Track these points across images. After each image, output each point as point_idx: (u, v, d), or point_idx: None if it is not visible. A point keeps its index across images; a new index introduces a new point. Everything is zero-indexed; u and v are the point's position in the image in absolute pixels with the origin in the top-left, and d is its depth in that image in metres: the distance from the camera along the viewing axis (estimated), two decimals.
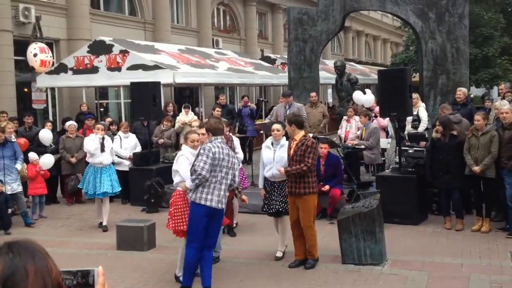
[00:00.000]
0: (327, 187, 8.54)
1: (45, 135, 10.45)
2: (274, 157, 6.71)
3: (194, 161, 5.59)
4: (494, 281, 5.84)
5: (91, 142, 8.69)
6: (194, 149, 6.13)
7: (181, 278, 5.93)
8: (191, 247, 5.61)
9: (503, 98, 9.98)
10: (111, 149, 9.09)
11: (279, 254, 6.89)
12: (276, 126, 6.89)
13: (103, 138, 8.77)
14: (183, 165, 6.05)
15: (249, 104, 15.52)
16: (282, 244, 6.97)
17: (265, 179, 6.98)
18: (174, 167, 6.21)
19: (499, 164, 7.67)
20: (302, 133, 6.54)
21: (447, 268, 6.37)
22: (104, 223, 8.71)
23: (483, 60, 24.79)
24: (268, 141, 6.99)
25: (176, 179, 6.16)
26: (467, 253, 6.94)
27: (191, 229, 5.64)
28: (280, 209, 6.80)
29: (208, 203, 5.54)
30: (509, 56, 26.98)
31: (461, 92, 10.29)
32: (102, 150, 8.67)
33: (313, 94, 12.11)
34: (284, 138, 6.82)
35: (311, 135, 11.29)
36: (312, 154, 6.36)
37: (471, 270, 6.25)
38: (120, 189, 9.04)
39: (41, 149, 10.47)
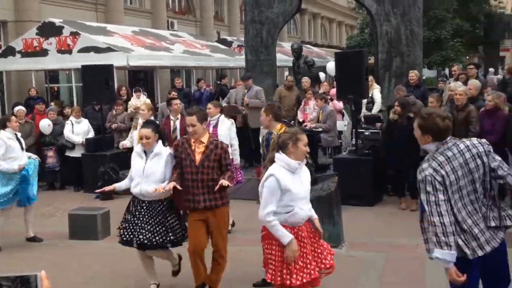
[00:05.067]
0: None
1: None
2: (144, 169, 5.09)
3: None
4: None
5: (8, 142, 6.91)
6: (301, 158, 4.21)
7: None
8: None
9: (457, 79, 10.16)
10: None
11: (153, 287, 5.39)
12: (144, 131, 5.11)
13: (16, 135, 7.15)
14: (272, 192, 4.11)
15: (210, 87, 15.38)
16: (155, 276, 5.41)
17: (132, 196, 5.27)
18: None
19: None
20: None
21: (403, 248, 6.46)
22: (32, 234, 7.29)
23: (435, 43, 25.26)
24: (139, 147, 5.28)
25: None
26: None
27: None
28: (146, 241, 4.99)
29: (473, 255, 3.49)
30: (461, 38, 27.57)
31: (414, 74, 10.48)
32: (22, 148, 7.11)
33: (290, 77, 12.12)
34: (160, 143, 5.16)
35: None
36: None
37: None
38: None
39: None
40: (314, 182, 8.17)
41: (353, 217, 7.69)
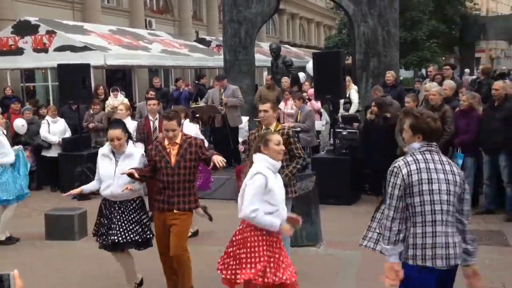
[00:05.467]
0: None
1: None
2: (115, 171, 4.96)
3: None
4: None
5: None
6: (276, 157, 4.25)
7: None
8: None
9: (433, 80, 10.31)
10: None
11: None
12: (115, 133, 4.93)
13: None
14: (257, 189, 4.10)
15: (189, 86, 15.35)
16: (131, 280, 5.34)
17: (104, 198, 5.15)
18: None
19: None
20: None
21: None
22: (8, 234, 7.22)
23: (412, 43, 25.56)
24: (105, 148, 5.10)
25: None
26: None
27: None
28: (119, 241, 4.92)
29: (433, 263, 3.37)
30: (437, 39, 27.94)
31: (390, 74, 10.61)
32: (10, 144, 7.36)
33: (268, 77, 12.18)
34: (130, 144, 5.08)
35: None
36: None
37: None
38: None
39: None
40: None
41: (330, 216, 7.75)
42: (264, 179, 4.06)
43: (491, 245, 6.54)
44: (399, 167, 3.43)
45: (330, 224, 7.23)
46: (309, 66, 14.24)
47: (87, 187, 5.27)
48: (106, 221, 5.03)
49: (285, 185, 4.71)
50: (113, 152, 5.00)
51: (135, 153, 5.03)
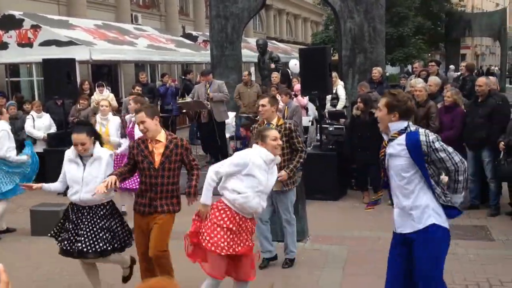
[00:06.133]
0: None
1: None
2: (83, 176, 4.66)
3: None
4: None
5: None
6: (274, 152, 4.39)
7: None
8: None
9: (418, 76, 10.38)
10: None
11: None
12: (78, 137, 4.59)
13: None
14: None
15: (175, 82, 15.30)
16: (99, 286, 5.16)
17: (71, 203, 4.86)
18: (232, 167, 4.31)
19: None
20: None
21: (365, 241, 6.59)
22: (5, 226, 7.38)
23: (398, 40, 25.70)
24: (72, 152, 4.74)
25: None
26: (384, 226, 7.18)
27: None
28: (85, 249, 4.60)
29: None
30: (423, 35, 28.11)
31: (377, 71, 10.66)
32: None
33: (245, 73, 12.13)
34: (97, 145, 4.75)
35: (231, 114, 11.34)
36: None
37: (388, 242, 6.47)
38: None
39: None
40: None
41: (317, 211, 7.79)
42: (247, 160, 4.22)
43: (475, 240, 6.63)
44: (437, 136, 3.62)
45: (316, 219, 7.27)
46: (291, 64, 14.17)
47: (48, 186, 4.99)
48: (71, 226, 4.74)
49: (289, 178, 5.42)
50: (80, 156, 4.69)
51: (103, 155, 4.71)
